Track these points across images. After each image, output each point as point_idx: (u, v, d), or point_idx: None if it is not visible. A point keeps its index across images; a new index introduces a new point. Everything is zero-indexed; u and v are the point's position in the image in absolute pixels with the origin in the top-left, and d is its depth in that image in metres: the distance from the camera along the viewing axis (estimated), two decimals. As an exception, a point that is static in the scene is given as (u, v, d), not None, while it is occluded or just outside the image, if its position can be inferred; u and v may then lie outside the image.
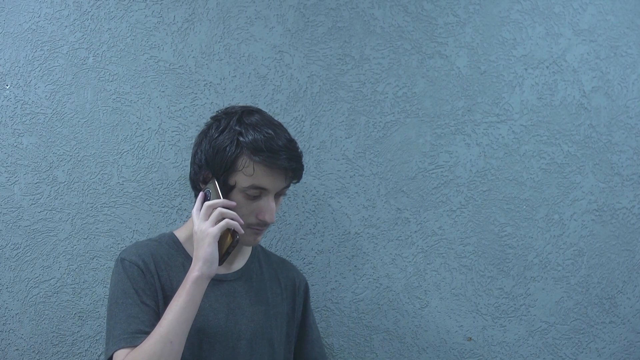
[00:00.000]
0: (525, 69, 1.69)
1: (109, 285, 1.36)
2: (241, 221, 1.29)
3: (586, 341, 1.67)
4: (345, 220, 1.69)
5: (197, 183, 1.37)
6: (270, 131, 1.30)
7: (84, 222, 1.68)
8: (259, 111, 1.37)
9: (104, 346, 1.30)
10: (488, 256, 1.69)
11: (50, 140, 1.69)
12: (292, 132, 1.70)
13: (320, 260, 1.69)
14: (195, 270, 1.23)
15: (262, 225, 1.34)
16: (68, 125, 1.69)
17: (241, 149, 1.29)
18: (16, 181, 1.69)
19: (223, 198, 1.30)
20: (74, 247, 1.68)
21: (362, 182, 1.70)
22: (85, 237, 1.68)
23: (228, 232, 1.28)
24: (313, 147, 1.70)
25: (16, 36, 1.70)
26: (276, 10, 1.71)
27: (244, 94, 1.70)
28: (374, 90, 1.70)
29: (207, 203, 1.28)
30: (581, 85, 1.69)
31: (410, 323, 1.69)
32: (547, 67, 1.69)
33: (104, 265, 1.68)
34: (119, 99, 1.69)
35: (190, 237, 1.38)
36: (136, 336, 1.22)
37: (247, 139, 1.29)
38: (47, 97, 1.70)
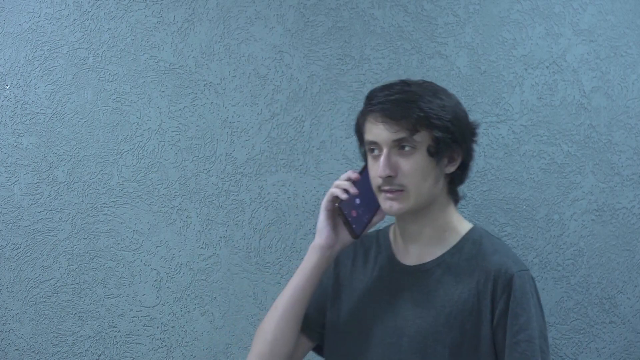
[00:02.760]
0: (525, 69, 1.69)
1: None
2: (352, 190, 1.28)
3: (586, 341, 1.67)
4: (345, 220, 1.69)
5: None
6: (392, 85, 1.30)
7: (84, 222, 1.68)
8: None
9: None
10: (488, 256, 1.69)
11: (50, 140, 1.69)
12: (292, 132, 1.70)
13: (320, 260, 1.69)
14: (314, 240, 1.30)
15: (387, 184, 1.24)
16: (68, 125, 1.69)
17: (360, 113, 1.31)
18: (16, 181, 1.69)
19: (366, 168, 1.32)
20: (74, 247, 1.68)
21: (362, 182, 1.69)
22: (85, 237, 1.68)
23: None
24: (313, 147, 1.70)
25: (16, 36, 1.70)
26: (276, 10, 1.71)
27: (244, 94, 1.70)
28: (374, 90, 1.70)
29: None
30: (581, 85, 1.69)
31: (410, 323, 1.68)
32: (547, 67, 1.69)
33: (104, 265, 1.68)
34: (119, 99, 1.70)
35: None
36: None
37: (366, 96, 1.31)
38: (47, 97, 1.70)
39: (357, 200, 1.29)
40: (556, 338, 1.67)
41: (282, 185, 1.70)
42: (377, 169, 1.25)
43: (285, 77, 1.70)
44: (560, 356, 1.67)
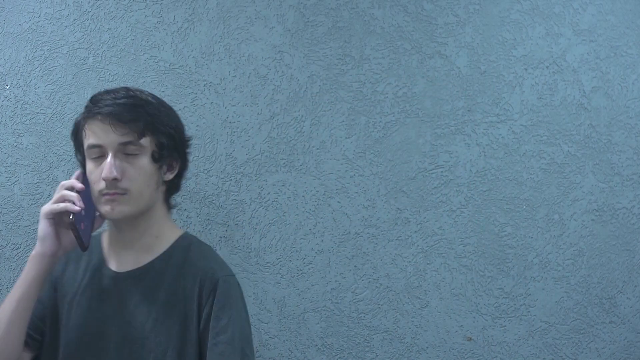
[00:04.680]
0: (525, 69, 1.69)
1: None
2: (79, 203, 1.23)
3: (586, 341, 1.67)
4: (345, 220, 1.69)
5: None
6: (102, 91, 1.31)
7: (84, 222, 1.68)
8: None
9: None
10: (488, 256, 1.69)
11: (50, 140, 1.69)
12: (292, 132, 1.70)
13: (320, 260, 1.69)
14: (35, 248, 1.26)
15: (110, 187, 1.24)
16: (68, 125, 1.69)
17: (80, 117, 1.30)
18: (16, 181, 1.69)
19: (84, 175, 1.30)
20: (74, 247, 1.68)
21: (362, 182, 1.70)
22: (85, 237, 1.68)
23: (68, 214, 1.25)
24: (313, 147, 1.70)
25: (16, 36, 1.70)
26: (276, 10, 1.71)
27: (244, 94, 1.70)
28: (374, 90, 1.70)
29: (61, 183, 1.27)
30: (581, 85, 1.69)
31: (410, 323, 1.69)
32: (547, 67, 1.69)
33: (104, 265, 1.68)
34: (119, 99, 1.70)
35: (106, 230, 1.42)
36: None
37: (86, 104, 1.30)
38: (47, 97, 1.70)
39: (83, 212, 1.25)
40: (556, 338, 1.67)
41: (282, 185, 1.70)
42: (100, 173, 1.25)
43: (285, 77, 1.70)
44: (560, 356, 1.68)
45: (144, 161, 1.28)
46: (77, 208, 1.22)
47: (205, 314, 1.27)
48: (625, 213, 1.68)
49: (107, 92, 1.29)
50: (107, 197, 1.25)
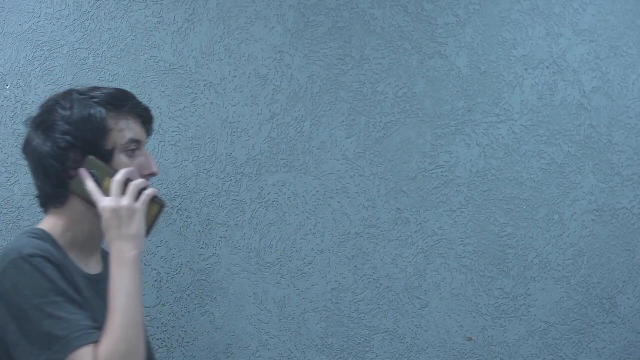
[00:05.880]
0: (525, 69, 1.69)
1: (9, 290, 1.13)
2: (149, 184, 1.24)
3: (586, 341, 1.67)
4: (345, 220, 1.69)
5: (65, 175, 1.24)
6: (108, 88, 1.30)
7: (84, 222, 1.68)
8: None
9: (34, 351, 1.11)
10: (488, 256, 1.69)
11: (50, 140, 1.69)
12: (292, 132, 1.70)
13: (320, 260, 1.69)
14: (132, 249, 1.18)
15: (147, 181, 1.27)
16: (68, 125, 1.69)
17: (104, 107, 1.25)
18: (16, 181, 1.69)
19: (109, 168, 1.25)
20: (74, 247, 1.68)
21: (362, 182, 1.70)
22: (85, 237, 1.68)
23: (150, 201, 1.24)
24: (313, 147, 1.70)
25: (16, 36, 1.70)
26: (276, 10, 1.71)
27: (244, 94, 1.70)
28: (374, 90, 1.70)
29: (116, 179, 1.21)
30: (581, 85, 1.69)
31: (410, 323, 1.69)
32: (547, 67, 1.69)
33: (104, 265, 1.68)
34: (119, 99, 1.70)
35: (66, 231, 1.26)
36: (92, 332, 1.12)
37: (102, 98, 1.26)
38: (47, 97, 1.70)
39: None
40: (556, 338, 1.67)
41: (282, 185, 1.70)
42: (144, 166, 1.28)
43: (285, 77, 1.70)
44: (560, 356, 1.68)
45: None
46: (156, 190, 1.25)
47: None
48: (625, 213, 1.68)
49: (125, 90, 1.31)
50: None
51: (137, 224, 1.21)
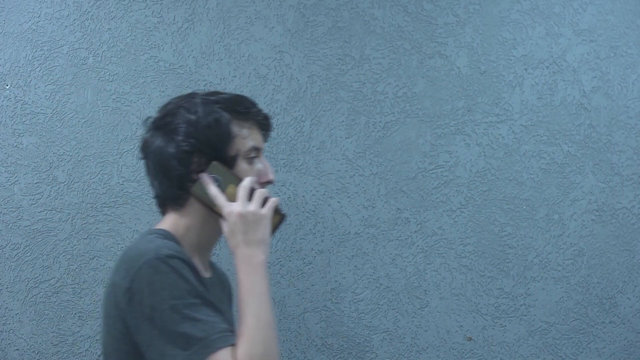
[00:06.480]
0: (525, 69, 1.69)
1: (148, 292, 1.11)
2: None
3: (586, 341, 1.67)
4: (345, 220, 1.69)
5: (188, 179, 1.24)
6: (229, 93, 1.29)
7: (84, 222, 1.68)
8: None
9: (169, 352, 1.10)
10: (488, 256, 1.69)
11: (50, 140, 1.69)
12: (292, 132, 1.70)
13: (320, 260, 1.69)
14: (260, 254, 1.18)
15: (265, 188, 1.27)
16: (68, 125, 1.69)
17: (229, 114, 1.25)
18: (16, 181, 1.69)
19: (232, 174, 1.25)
20: (74, 247, 1.68)
21: (362, 182, 1.70)
22: (85, 237, 1.68)
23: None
24: (313, 147, 1.70)
25: (16, 36, 1.70)
26: (276, 10, 1.71)
27: (244, 94, 1.69)
28: (374, 90, 1.70)
29: (243, 185, 1.21)
30: (581, 85, 1.69)
31: (410, 323, 1.69)
32: (547, 67, 1.69)
33: (104, 265, 1.68)
34: (119, 99, 1.69)
35: (186, 233, 1.26)
36: (230, 335, 1.12)
37: (226, 104, 1.25)
38: (47, 97, 1.70)
39: None
40: (556, 338, 1.67)
41: (282, 185, 1.70)
42: (262, 174, 1.27)
43: (285, 77, 1.70)
44: (560, 356, 1.68)
45: None
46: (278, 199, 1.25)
47: None
48: (625, 213, 1.68)
49: (246, 96, 1.31)
50: None
51: (264, 229, 1.20)
